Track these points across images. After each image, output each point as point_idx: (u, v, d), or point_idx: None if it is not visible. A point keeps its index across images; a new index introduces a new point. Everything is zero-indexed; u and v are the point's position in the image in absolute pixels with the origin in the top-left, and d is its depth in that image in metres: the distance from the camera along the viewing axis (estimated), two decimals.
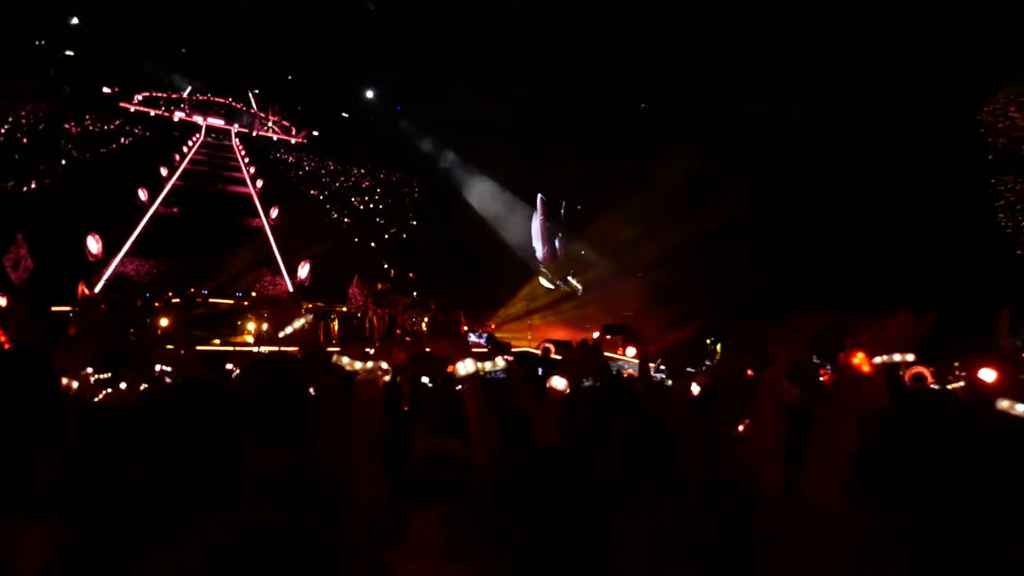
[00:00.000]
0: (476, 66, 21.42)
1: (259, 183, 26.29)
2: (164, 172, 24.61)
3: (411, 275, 23.11)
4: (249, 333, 17.95)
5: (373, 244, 26.27)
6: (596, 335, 15.65)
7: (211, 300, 18.74)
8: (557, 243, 25.94)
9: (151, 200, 23.35)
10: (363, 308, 19.11)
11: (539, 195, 25.55)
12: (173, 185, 24.67)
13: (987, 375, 4.29)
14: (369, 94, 26.20)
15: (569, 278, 24.61)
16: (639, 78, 22.78)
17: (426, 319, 18.07)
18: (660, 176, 21.03)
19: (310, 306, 20.08)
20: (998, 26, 19.40)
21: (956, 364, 10.44)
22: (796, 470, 1.66)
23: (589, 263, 24.84)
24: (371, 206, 28.51)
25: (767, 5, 20.03)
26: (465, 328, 17.07)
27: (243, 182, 26.80)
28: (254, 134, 29.69)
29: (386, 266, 23.78)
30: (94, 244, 19.49)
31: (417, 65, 22.78)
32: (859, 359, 1.78)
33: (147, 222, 22.65)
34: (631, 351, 13.12)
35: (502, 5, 21.47)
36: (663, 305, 20.63)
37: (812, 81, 19.50)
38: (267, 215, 24.57)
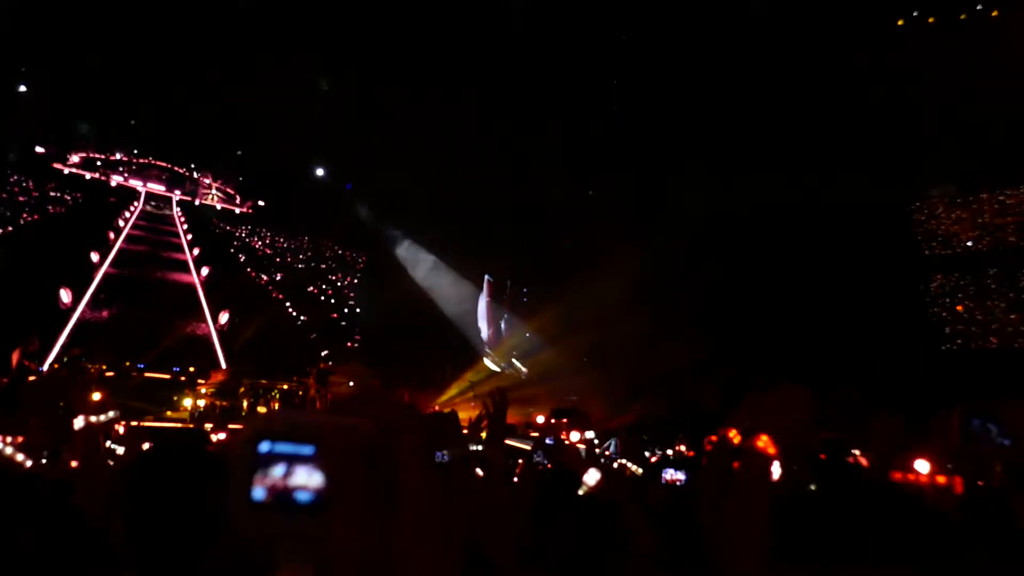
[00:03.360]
0: (426, 147, 21.82)
1: (196, 251, 25.82)
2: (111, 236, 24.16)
3: (350, 344, 22.88)
4: (186, 409, 17.72)
5: (306, 319, 25.89)
6: (542, 419, 15.72)
7: (147, 375, 18.40)
8: (503, 325, 26.04)
9: (101, 262, 22.83)
10: (304, 385, 18.93)
11: (486, 276, 25.74)
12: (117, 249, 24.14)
13: (922, 466, 4.60)
14: (319, 171, 26.21)
15: (514, 360, 24.68)
16: (588, 164, 23.51)
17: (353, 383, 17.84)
18: (604, 263, 21.56)
19: (248, 382, 19.73)
20: (928, 128, 21.10)
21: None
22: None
23: (534, 346, 24.97)
24: (317, 281, 28.19)
25: (713, 100, 21.16)
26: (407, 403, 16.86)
27: (182, 251, 26.27)
28: (197, 202, 29.23)
29: (325, 349, 23.44)
30: (65, 295, 19.22)
31: (368, 145, 23.01)
32: (763, 441, 1.88)
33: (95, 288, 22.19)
34: (576, 435, 13.26)
35: (455, 88, 22.03)
36: (607, 391, 20.89)
37: (753, 176, 20.62)
38: (201, 280, 24.16)
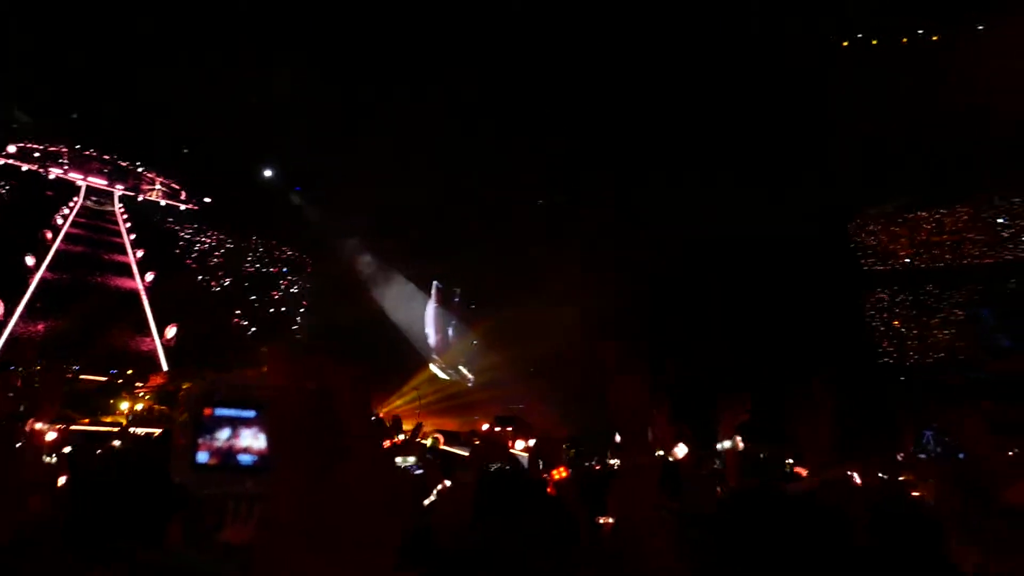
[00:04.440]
0: (378, 151, 21.63)
1: (139, 252, 25.14)
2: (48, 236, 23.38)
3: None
4: (122, 413, 17.38)
5: (255, 325, 25.49)
6: (486, 427, 15.75)
7: (82, 376, 17.98)
8: (450, 331, 26.00)
9: (37, 266, 22.07)
10: None
11: (434, 283, 25.66)
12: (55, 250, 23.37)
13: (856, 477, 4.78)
14: (267, 172, 25.75)
15: (461, 368, 24.67)
16: (541, 175, 23.57)
17: None
18: (552, 272, 21.67)
19: (188, 385, 19.28)
20: (870, 146, 21.68)
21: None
22: None
23: (482, 354, 24.98)
24: (262, 284, 27.68)
25: (662, 118, 21.40)
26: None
27: (124, 252, 25.54)
28: (140, 198, 28.42)
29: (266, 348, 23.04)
30: None
31: (318, 148, 22.73)
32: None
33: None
34: (520, 444, 13.32)
35: (410, 94, 21.88)
36: (553, 400, 20.97)
37: (699, 192, 20.97)
38: (145, 285, 23.57)
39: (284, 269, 28.15)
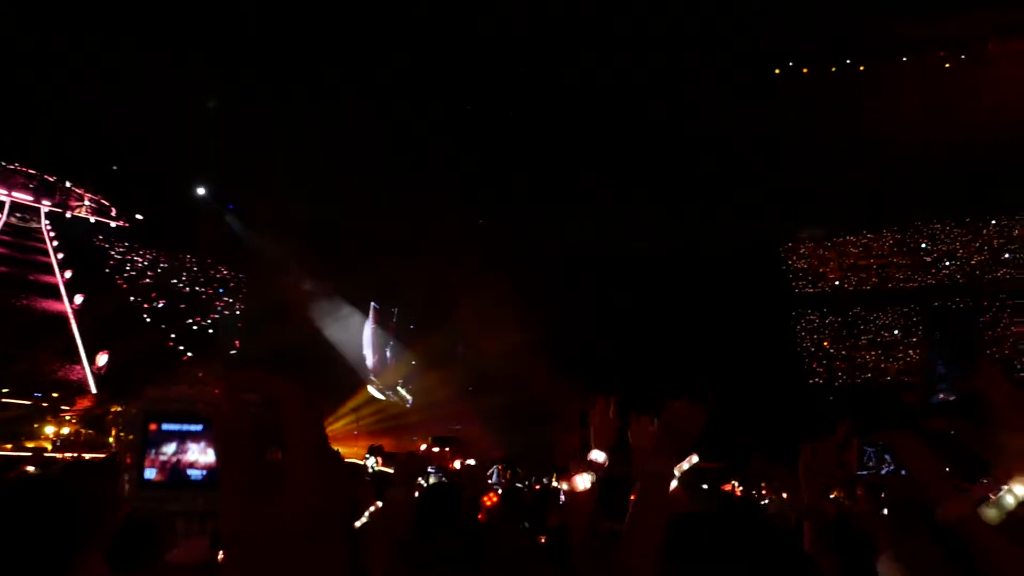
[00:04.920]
0: (315, 171, 21.44)
1: (68, 273, 24.28)
2: None
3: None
4: (47, 438, 16.95)
5: (190, 349, 24.83)
6: (424, 447, 15.67)
7: (5, 400, 17.45)
8: (388, 352, 25.76)
9: None
10: None
11: (372, 303, 25.43)
12: None
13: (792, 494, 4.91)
14: (200, 190, 25.17)
15: (399, 388, 24.44)
16: (476, 194, 23.63)
17: None
18: (488, 294, 21.72)
19: (119, 408, 18.80)
20: (800, 173, 22.31)
21: (763, 484, 11.44)
22: None
23: (420, 375, 24.80)
24: (194, 304, 26.97)
25: (604, 139, 21.68)
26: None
27: (49, 268, 24.63)
28: (68, 214, 27.47)
29: (200, 372, 22.53)
30: None
31: (254, 166, 22.39)
32: None
33: None
34: (457, 463, 13.23)
35: (348, 114, 21.76)
36: (491, 420, 20.95)
37: (632, 215, 21.29)
38: (74, 308, 22.74)
39: (220, 290, 27.52)
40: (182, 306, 26.40)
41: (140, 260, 27.32)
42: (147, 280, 26.78)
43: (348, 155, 20.91)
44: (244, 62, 20.79)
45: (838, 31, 21.83)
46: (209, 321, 26.37)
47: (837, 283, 25.86)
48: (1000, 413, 1.34)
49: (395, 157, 21.56)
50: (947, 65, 21.90)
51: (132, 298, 25.68)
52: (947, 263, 25.19)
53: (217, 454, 0.74)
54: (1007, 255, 24.80)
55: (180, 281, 27.36)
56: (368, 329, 25.72)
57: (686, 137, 21.25)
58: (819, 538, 2.59)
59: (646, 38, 20.52)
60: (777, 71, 23.67)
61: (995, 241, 25.05)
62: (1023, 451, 1.25)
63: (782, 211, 23.43)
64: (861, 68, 23.49)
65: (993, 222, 24.99)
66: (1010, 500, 1.21)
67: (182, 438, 1.06)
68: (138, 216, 27.75)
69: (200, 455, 1.06)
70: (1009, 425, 1.30)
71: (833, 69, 23.55)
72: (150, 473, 1.04)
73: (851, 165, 22.26)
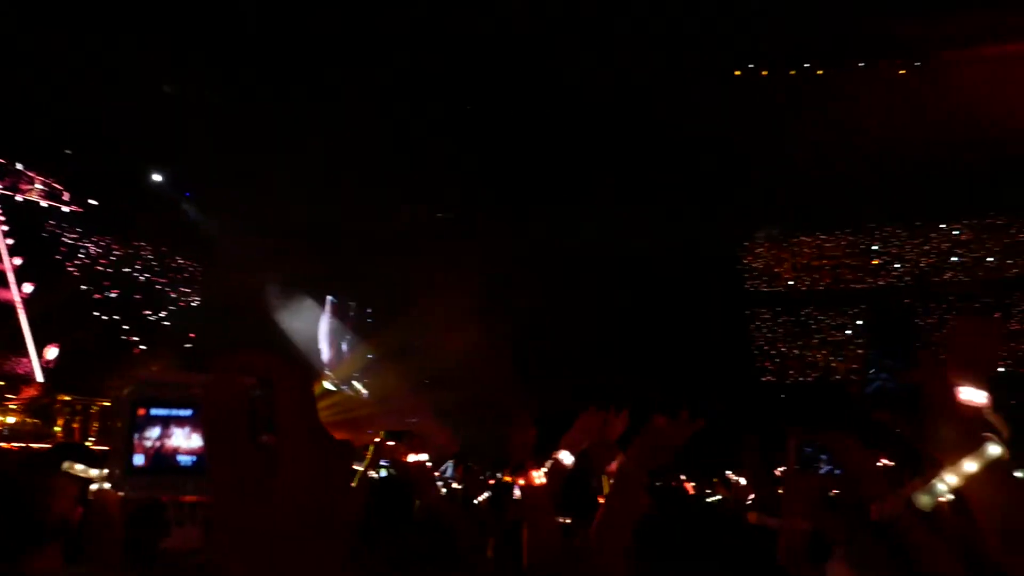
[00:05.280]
0: (272, 160, 21.21)
1: (17, 260, 23.62)
2: None
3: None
4: None
5: (144, 341, 24.40)
6: (377, 440, 15.56)
7: None
8: (344, 346, 25.59)
9: None
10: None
11: (328, 296, 25.23)
12: None
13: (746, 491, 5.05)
14: (157, 177, 24.66)
15: (354, 382, 24.31)
16: (438, 186, 23.56)
17: None
18: (449, 288, 21.69)
19: (67, 398, 18.51)
20: (757, 173, 22.58)
21: (715, 480, 11.65)
22: None
23: (376, 369, 24.69)
24: (147, 293, 26.45)
25: (566, 137, 21.75)
26: None
27: None
28: (18, 197, 26.67)
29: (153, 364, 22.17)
30: None
31: (211, 154, 22.06)
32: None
33: None
34: (412, 457, 13.24)
35: (307, 103, 21.53)
36: (447, 416, 20.96)
37: (592, 212, 21.43)
38: (22, 296, 22.19)
39: (175, 280, 27.04)
40: (136, 296, 25.88)
41: (93, 247, 26.65)
42: (99, 268, 26.17)
43: (311, 147, 20.73)
44: (205, 46, 20.49)
45: (799, 36, 22.13)
46: (164, 313, 25.92)
47: (792, 283, 26.32)
48: (936, 403, 1.38)
49: (359, 148, 21.39)
50: (901, 72, 22.32)
51: (84, 287, 25.11)
52: (897, 266, 25.77)
53: (204, 439, 0.73)
54: (954, 259, 25.47)
55: (134, 269, 26.80)
56: (325, 322, 25.53)
57: (645, 136, 21.42)
58: (792, 552, 2.64)
59: (608, 35, 20.63)
60: (737, 72, 23.91)
61: (943, 245, 25.71)
62: (955, 441, 1.33)
63: (740, 212, 23.77)
64: (820, 72, 23.82)
65: (942, 226, 25.63)
66: (942, 487, 1.30)
67: (171, 423, 1.06)
68: (92, 202, 27.04)
69: (189, 440, 1.05)
70: (943, 415, 1.39)
71: (792, 72, 23.86)
72: (139, 459, 1.04)
73: (809, 166, 22.58)
